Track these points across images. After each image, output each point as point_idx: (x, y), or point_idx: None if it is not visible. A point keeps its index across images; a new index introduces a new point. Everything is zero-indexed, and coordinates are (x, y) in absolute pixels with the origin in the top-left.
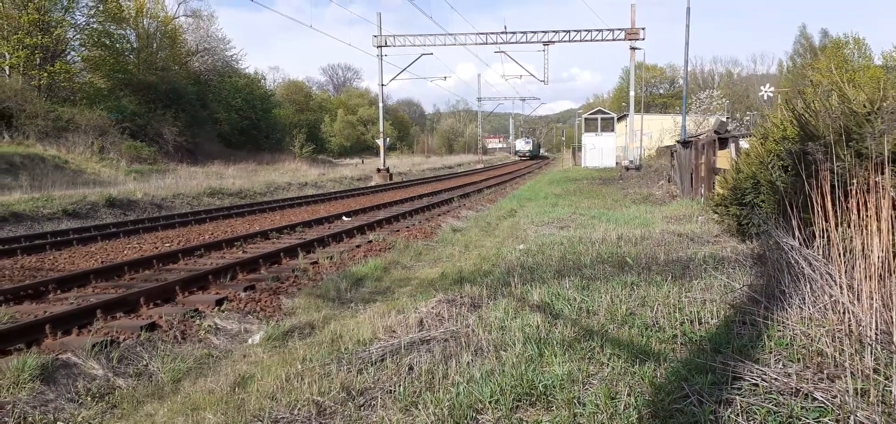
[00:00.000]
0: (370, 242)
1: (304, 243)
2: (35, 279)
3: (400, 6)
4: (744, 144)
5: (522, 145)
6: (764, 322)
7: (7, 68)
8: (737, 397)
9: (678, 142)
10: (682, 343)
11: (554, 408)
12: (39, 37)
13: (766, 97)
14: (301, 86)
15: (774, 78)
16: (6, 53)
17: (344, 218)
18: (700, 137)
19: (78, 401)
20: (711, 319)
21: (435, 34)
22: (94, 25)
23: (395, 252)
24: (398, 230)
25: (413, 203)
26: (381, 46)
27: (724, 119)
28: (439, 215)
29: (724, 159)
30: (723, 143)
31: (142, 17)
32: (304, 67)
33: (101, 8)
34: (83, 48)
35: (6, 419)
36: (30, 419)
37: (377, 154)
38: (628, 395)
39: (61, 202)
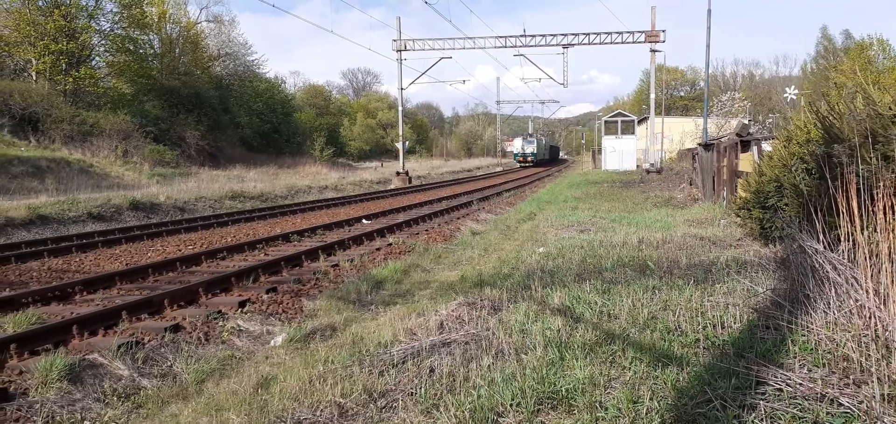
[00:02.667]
0: (390, 245)
1: (324, 245)
2: (62, 280)
3: (419, 10)
4: (766, 146)
5: (522, 146)
6: (788, 327)
7: (34, 74)
8: (761, 402)
9: (700, 145)
10: (704, 348)
11: (576, 412)
12: (65, 43)
13: (789, 99)
14: (321, 90)
15: (797, 80)
16: (33, 59)
17: (364, 221)
18: (722, 139)
19: (104, 401)
20: (734, 323)
21: (454, 38)
22: (119, 31)
23: (414, 255)
24: (418, 233)
25: (432, 206)
26: (400, 51)
27: (746, 122)
28: (458, 219)
29: (746, 161)
30: (745, 146)
31: (165, 22)
32: (325, 72)
33: (125, 14)
34: (108, 54)
35: (35, 418)
36: (58, 418)
37: (396, 157)
38: (651, 399)
39: (86, 205)
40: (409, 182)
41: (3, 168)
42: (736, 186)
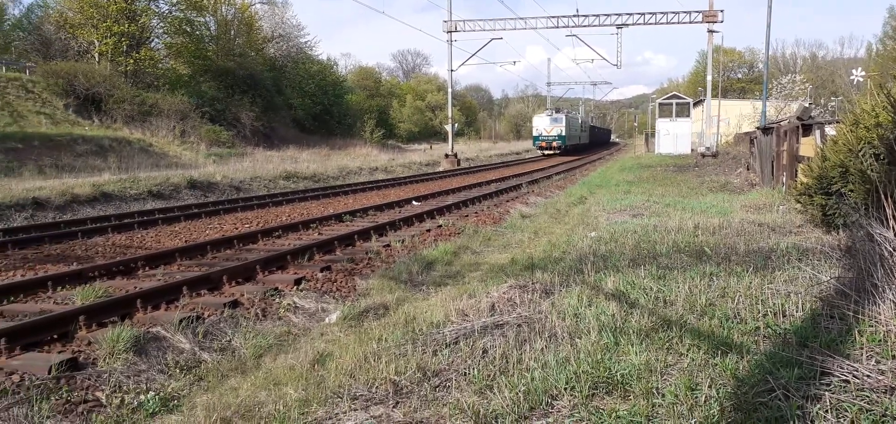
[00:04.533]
0: (440, 226)
1: (376, 226)
2: (125, 255)
3: None
4: (830, 131)
5: (544, 127)
6: (854, 317)
7: (97, 55)
8: (825, 393)
9: (758, 128)
10: (765, 336)
11: (632, 398)
12: (126, 25)
13: (855, 82)
14: (371, 72)
15: (862, 62)
16: (96, 41)
17: (414, 203)
18: (782, 123)
19: (167, 373)
20: (796, 312)
21: (505, 19)
22: (177, 13)
23: (464, 237)
24: (467, 216)
25: (481, 189)
26: (451, 32)
27: (808, 105)
28: (507, 201)
29: (807, 146)
30: (806, 129)
31: (220, 4)
32: (375, 53)
33: None
34: (166, 35)
35: (104, 386)
36: (125, 387)
37: (445, 140)
38: (709, 387)
39: (146, 183)
40: (458, 164)
41: (68, 147)
42: (796, 171)
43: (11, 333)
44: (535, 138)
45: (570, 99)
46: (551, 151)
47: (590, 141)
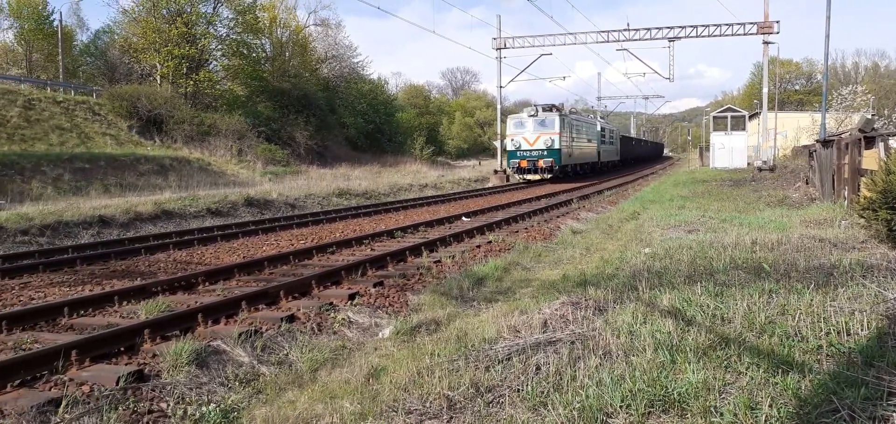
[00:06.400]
0: (490, 242)
1: (426, 242)
2: (186, 271)
3: (520, 8)
4: (894, 143)
5: (530, 132)
6: None
7: (158, 78)
8: (893, 414)
9: (818, 141)
10: (827, 355)
11: (689, 416)
12: (186, 48)
13: None
14: (421, 90)
15: None
16: (158, 64)
17: (463, 219)
18: (843, 135)
19: (227, 386)
20: (861, 330)
21: (554, 34)
22: (234, 36)
23: (514, 253)
24: (517, 232)
25: (531, 204)
26: (499, 49)
27: (870, 116)
28: (558, 217)
29: (870, 159)
30: (869, 142)
31: (276, 27)
32: (425, 72)
33: (239, 20)
34: (223, 58)
35: (167, 398)
36: (187, 399)
37: (493, 156)
38: (770, 406)
39: (205, 201)
40: (507, 180)
41: (132, 166)
42: (859, 185)
43: (82, 345)
44: (512, 155)
45: (621, 113)
46: (537, 176)
47: (619, 157)
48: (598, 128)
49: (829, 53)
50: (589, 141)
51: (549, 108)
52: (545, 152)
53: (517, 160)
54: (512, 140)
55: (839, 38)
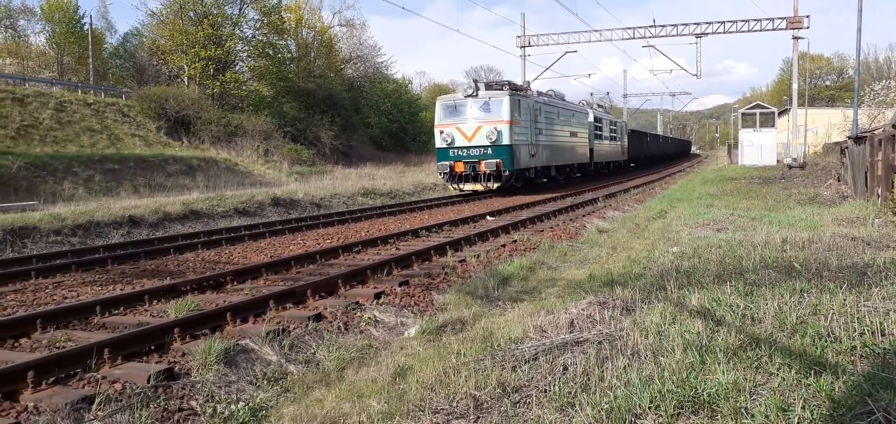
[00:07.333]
0: (514, 241)
1: (451, 241)
2: (214, 270)
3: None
4: None
5: (468, 125)
6: None
7: (186, 79)
8: None
9: (850, 138)
10: (861, 356)
11: (719, 418)
12: (213, 50)
13: None
14: (445, 89)
15: None
16: (185, 65)
17: (488, 218)
18: (876, 131)
19: (256, 384)
20: None
21: (579, 31)
22: (259, 37)
23: (539, 252)
24: (542, 231)
25: (556, 203)
26: (524, 47)
27: None
28: (583, 216)
29: None
30: None
31: (301, 28)
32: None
33: (265, 21)
34: (250, 59)
35: (197, 396)
36: (216, 397)
37: None
38: (802, 408)
39: (233, 201)
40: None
41: (160, 167)
42: (893, 182)
43: (114, 343)
44: (442, 155)
45: (646, 111)
46: (479, 186)
47: (633, 156)
48: (590, 118)
49: (861, 47)
50: (573, 134)
51: (498, 86)
52: (489, 150)
53: (449, 162)
54: (442, 133)
55: (871, 31)
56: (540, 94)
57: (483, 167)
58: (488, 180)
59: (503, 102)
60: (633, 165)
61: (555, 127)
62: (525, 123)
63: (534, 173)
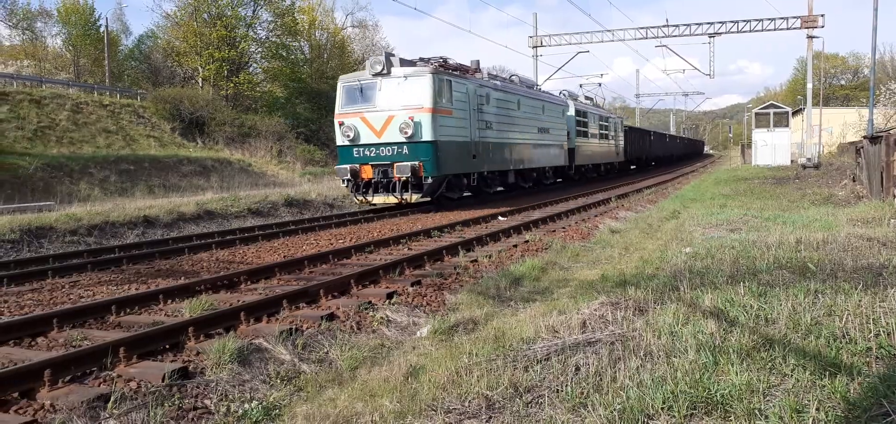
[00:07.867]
0: (526, 242)
1: (463, 241)
2: (228, 270)
3: (557, 6)
4: None
5: (376, 116)
6: None
7: (200, 80)
8: None
9: (865, 137)
10: (877, 357)
11: (732, 419)
12: (227, 51)
13: None
14: None
15: None
16: (199, 67)
17: (499, 218)
18: (891, 131)
19: (269, 383)
20: None
21: (592, 32)
22: (273, 39)
23: (551, 253)
24: (554, 231)
25: (567, 203)
26: (536, 47)
27: None
28: (596, 216)
29: None
30: None
31: (314, 29)
32: None
33: (278, 23)
34: (263, 60)
35: (211, 395)
36: (230, 396)
37: None
38: (817, 409)
39: (246, 202)
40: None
41: (174, 168)
42: None
43: (129, 342)
44: (344, 156)
45: (659, 111)
46: (392, 198)
47: (632, 157)
48: (570, 111)
49: (876, 46)
50: (543, 131)
51: (424, 59)
52: (404, 149)
53: (350, 166)
54: (342, 125)
55: (887, 30)
56: (493, 77)
57: (396, 172)
58: (405, 190)
59: (423, 83)
60: (633, 167)
61: (514, 120)
62: (461, 113)
63: (477, 180)
